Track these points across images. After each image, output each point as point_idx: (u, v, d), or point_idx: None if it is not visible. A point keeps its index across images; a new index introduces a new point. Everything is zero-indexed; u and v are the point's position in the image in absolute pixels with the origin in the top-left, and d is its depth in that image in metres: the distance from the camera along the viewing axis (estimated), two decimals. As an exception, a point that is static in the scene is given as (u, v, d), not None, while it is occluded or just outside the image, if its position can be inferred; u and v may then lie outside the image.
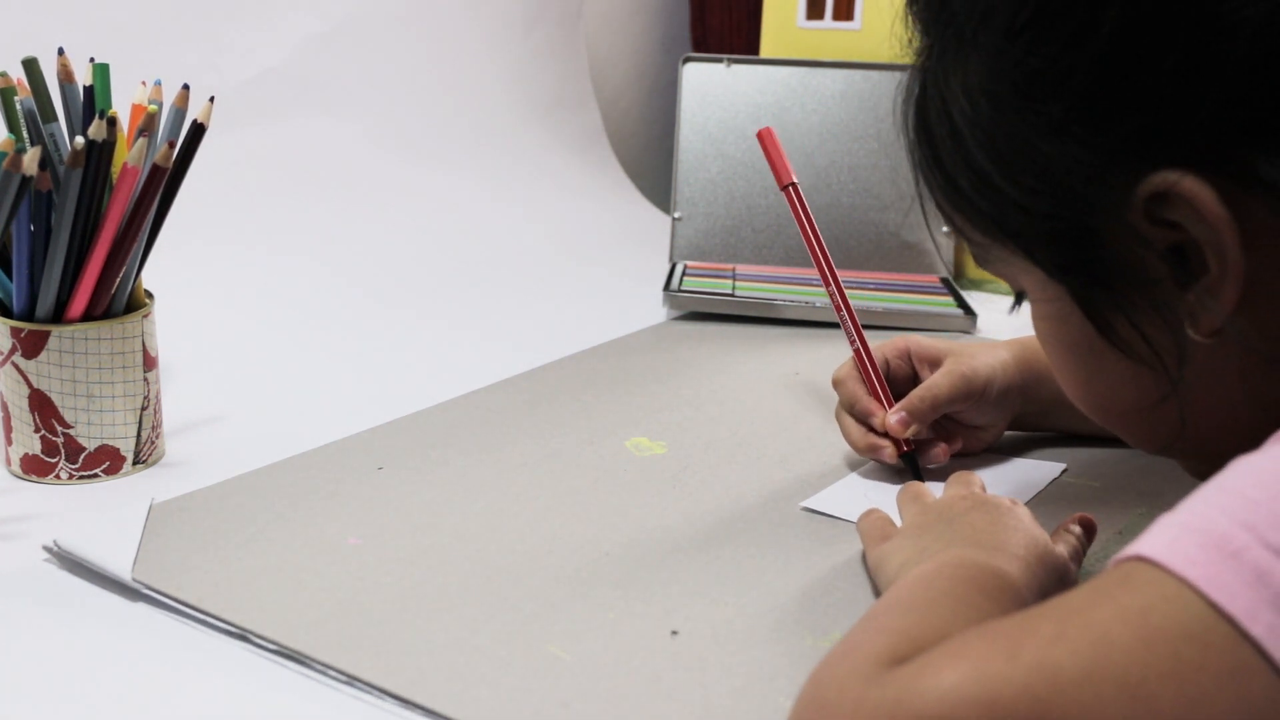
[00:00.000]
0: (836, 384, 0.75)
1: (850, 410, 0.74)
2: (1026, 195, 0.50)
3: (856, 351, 0.74)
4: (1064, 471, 0.74)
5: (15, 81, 0.70)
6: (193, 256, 1.03)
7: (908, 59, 0.55)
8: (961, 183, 0.52)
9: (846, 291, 0.76)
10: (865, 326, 0.99)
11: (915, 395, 0.72)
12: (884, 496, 0.70)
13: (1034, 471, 0.74)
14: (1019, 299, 0.57)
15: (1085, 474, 0.73)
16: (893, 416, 0.71)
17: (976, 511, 0.58)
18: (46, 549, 0.62)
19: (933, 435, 0.73)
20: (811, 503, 0.69)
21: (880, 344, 0.75)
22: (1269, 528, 0.39)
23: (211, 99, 0.73)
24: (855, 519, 0.65)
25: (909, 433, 0.71)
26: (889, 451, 0.71)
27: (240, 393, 0.86)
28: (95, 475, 0.72)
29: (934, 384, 0.72)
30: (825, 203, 1.15)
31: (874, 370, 0.73)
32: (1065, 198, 0.49)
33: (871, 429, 0.73)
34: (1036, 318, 0.56)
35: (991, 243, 0.53)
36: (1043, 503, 0.70)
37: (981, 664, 0.39)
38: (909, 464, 0.72)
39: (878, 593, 0.58)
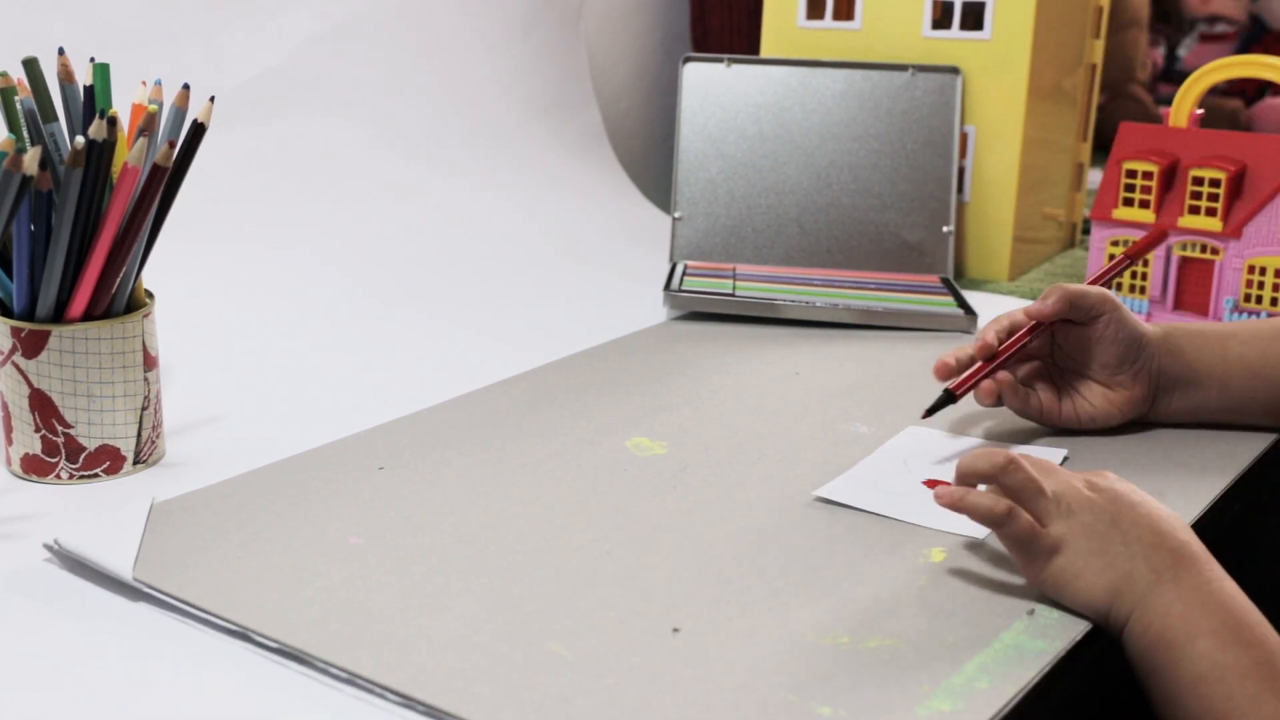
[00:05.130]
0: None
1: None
2: None
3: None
4: (1065, 459, 0.74)
5: (15, 81, 0.70)
6: (193, 256, 1.03)
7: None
8: None
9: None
10: (865, 326, 1.00)
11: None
12: (895, 484, 0.70)
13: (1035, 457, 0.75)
14: None
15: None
16: (989, 381, 0.76)
17: (1115, 502, 0.59)
18: (47, 548, 0.62)
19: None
20: (825, 492, 0.70)
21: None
22: None
23: (211, 99, 0.73)
24: (869, 508, 0.67)
25: (989, 402, 0.76)
26: (942, 370, 0.77)
27: (240, 393, 0.86)
28: (95, 475, 0.72)
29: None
30: (825, 203, 1.15)
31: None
32: None
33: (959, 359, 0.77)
34: None
35: None
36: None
37: None
38: (941, 403, 0.76)
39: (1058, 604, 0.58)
